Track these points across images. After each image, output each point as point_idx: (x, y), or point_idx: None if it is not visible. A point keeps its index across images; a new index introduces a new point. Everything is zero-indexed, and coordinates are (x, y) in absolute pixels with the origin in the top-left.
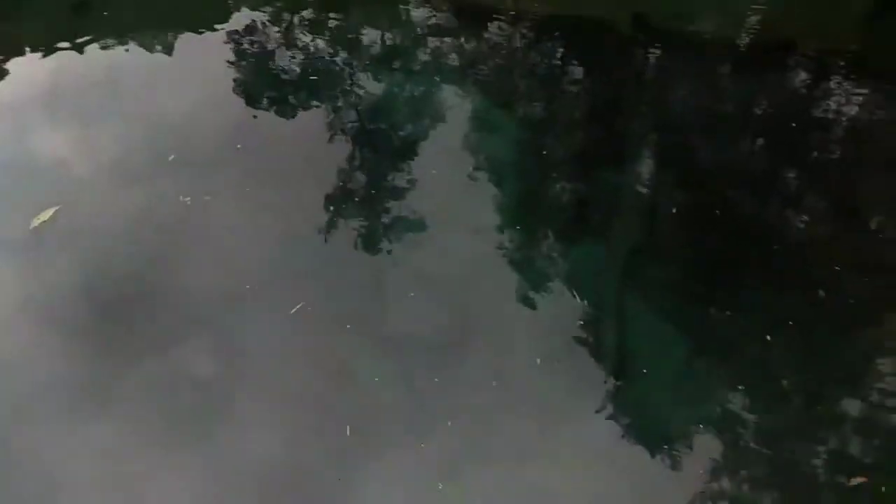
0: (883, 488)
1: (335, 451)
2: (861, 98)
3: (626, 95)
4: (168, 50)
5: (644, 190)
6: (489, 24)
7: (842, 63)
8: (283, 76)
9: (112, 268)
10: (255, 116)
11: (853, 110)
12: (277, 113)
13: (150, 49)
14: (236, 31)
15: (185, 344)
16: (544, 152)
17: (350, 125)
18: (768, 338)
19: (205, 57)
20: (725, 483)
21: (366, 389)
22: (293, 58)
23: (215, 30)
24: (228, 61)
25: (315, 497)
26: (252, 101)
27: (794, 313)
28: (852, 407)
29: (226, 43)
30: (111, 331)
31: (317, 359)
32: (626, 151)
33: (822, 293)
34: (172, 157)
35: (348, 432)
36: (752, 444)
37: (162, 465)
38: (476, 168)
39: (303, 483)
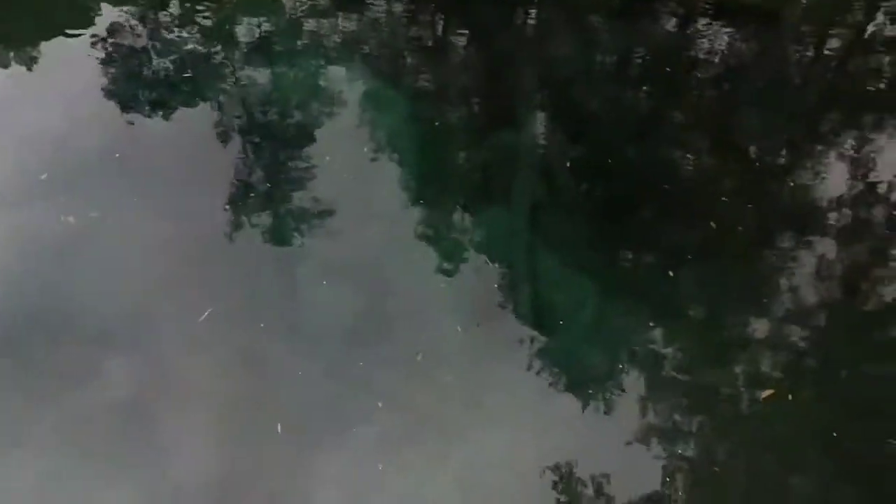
0: (790, 396)
1: (269, 451)
2: (727, 36)
3: (508, 57)
4: (27, 62)
5: (538, 147)
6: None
7: (706, 5)
8: (157, 77)
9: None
10: (131, 123)
11: (721, 48)
12: (156, 116)
13: (6, 63)
14: (100, 35)
15: (95, 369)
16: (436, 123)
17: (237, 119)
18: (671, 273)
19: (68, 65)
20: (653, 416)
21: (291, 385)
22: (165, 56)
23: (77, 35)
24: (95, 67)
25: (257, 499)
26: (126, 106)
27: (691, 247)
28: (756, 328)
29: (90, 48)
30: (9, 370)
31: (235, 362)
32: (515, 112)
33: (713, 224)
34: (44, 175)
35: (279, 430)
36: (671, 375)
37: (92, 496)
38: (372, 147)
39: (242, 486)
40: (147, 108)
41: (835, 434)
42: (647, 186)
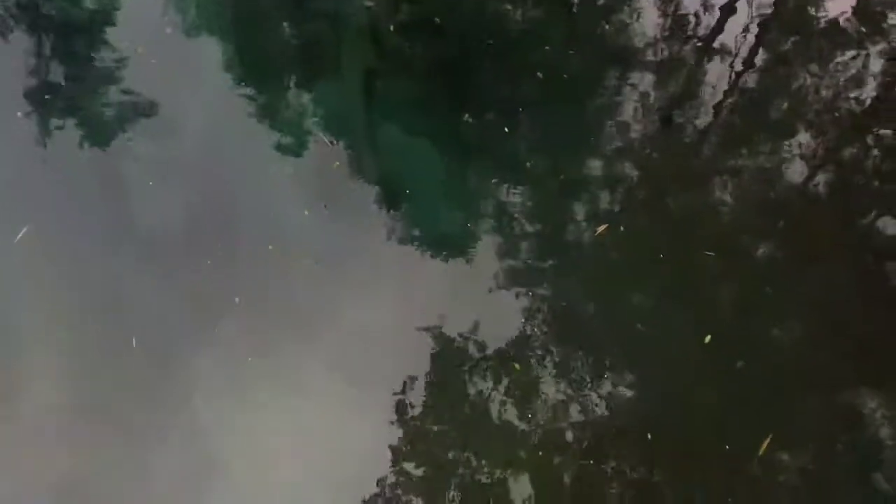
0: (622, 228)
1: (126, 367)
2: None
3: None
4: None
5: (362, 11)
6: None
7: None
8: None
9: None
10: None
11: None
12: None
13: None
14: None
15: None
16: None
17: (18, 11)
18: (506, 128)
19: None
20: (511, 263)
21: (135, 296)
22: None
23: None
24: None
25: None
26: None
27: (521, 100)
28: (589, 167)
29: None
30: None
31: (65, 283)
32: None
33: (540, 74)
34: None
35: (134, 344)
36: (517, 223)
37: None
38: (181, 26)
39: (109, 409)
40: None
41: (661, 255)
42: (475, 42)
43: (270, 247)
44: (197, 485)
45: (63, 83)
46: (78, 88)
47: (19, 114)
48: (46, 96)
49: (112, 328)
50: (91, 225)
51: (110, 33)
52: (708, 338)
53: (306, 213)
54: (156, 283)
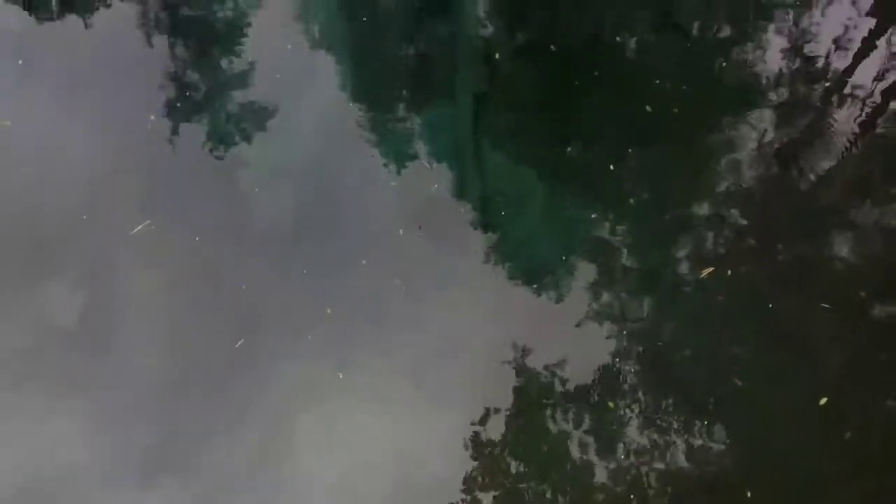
0: (729, 272)
1: (223, 365)
2: None
3: None
4: None
5: (476, 37)
6: None
7: None
8: None
9: None
10: (42, 24)
11: None
12: (68, 17)
13: None
14: None
15: (32, 293)
16: (370, 15)
17: (161, 17)
18: (612, 160)
19: None
20: (605, 299)
21: (237, 296)
22: None
23: None
24: None
25: (218, 408)
26: (35, 7)
27: (629, 133)
28: (696, 209)
29: None
30: None
31: (177, 276)
32: None
33: (649, 108)
34: None
35: (239, 344)
36: (619, 261)
37: (44, 425)
38: (305, 44)
39: (201, 403)
40: (58, 7)
41: (770, 305)
42: (586, 71)
43: (364, 262)
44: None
45: (193, 89)
46: (206, 95)
47: (152, 117)
48: (178, 103)
49: (211, 323)
50: (200, 225)
51: (239, 45)
52: (824, 400)
53: (400, 232)
54: (255, 285)
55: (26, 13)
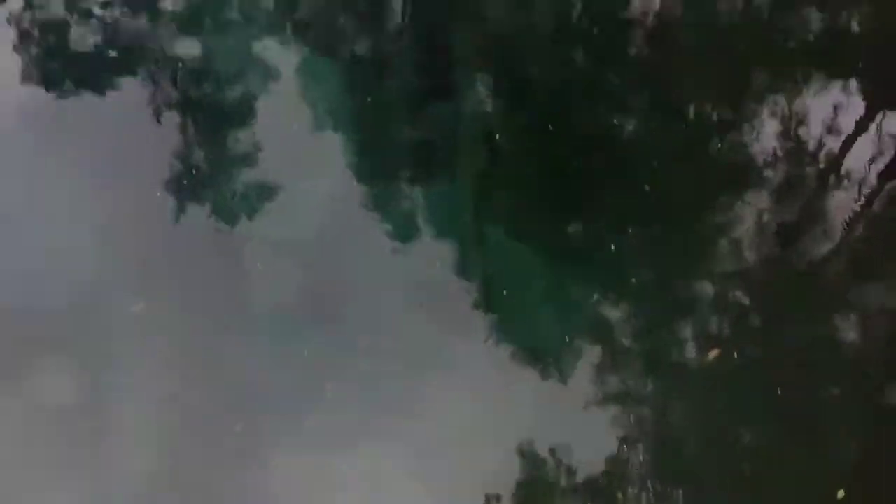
0: (735, 354)
1: (218, 448)
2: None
3: (443, 25)
4: None
5: (477, 117)
6: None
7: None
8: (81, 53)
9: None
10: (54, 102)
11: (654, 4)
12: (81, 95)
13: None
14: (15, 11)
15: (26, 369)
16: (375, 95)
17: (168, 96)
18: (613, 239)
19: None
20: (611, 382)
21: (236, 375)
22: (89, 31)
23: None
24: (13, 45)
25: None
26: (49, 85)
27: (628, 212)
28: (700, 289)
29: (6, 25)
30: None
31: (174, 357)
32: (453, 81)
33: (647, 187)
34: None
35: (237, 429)
36: (620, 342)
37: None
38: (310, 122)
39: (195, 486)
40: (71, 86)
41: (779, 391)
42: (585, 152)
43: (365, 342)
44: None
45: (200, 166)
46: (212, 172)
47: (158, 193)
48: (184, 180)
49: (208, 405)
50: (200, 302)
51: (247, 124)
52: (841, 493)
53: (402, 311)
54: (255, 366)
55: (42, 90)
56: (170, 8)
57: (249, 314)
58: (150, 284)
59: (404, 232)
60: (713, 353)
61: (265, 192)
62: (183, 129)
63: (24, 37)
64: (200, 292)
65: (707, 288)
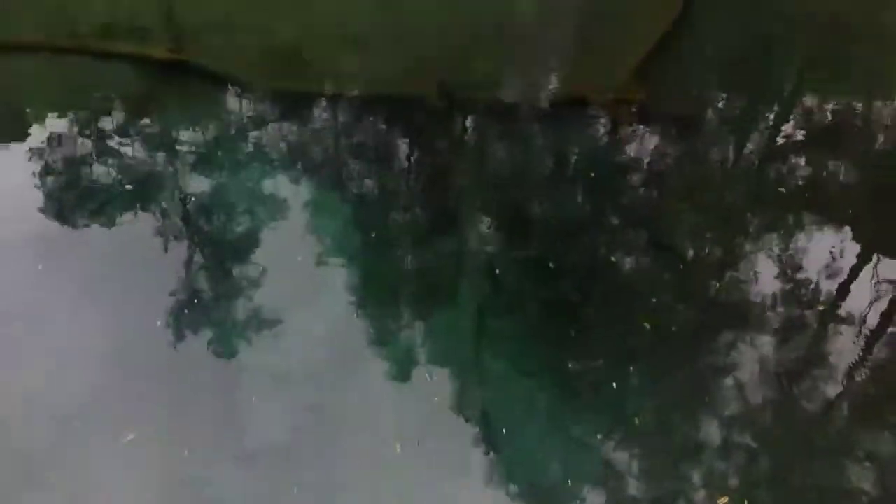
0: (745, 502)
1: None
2: (652, 141)
3: (447, 163)
4: None
5: (480, 252)
6: (309, 109)
7: (632, 110)
8: (97, 186)
9: None
10: (68, 233)
11: (648, 152)
12: (95, 226)
13: None
14: (38, 147)
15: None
16: (380, 229)
17: (178, 229)
18: (615, 377)
19: (4, 177)
20: None
21: None
22: (105, 166)
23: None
24: (32, 179)
25: None
26: (64, 217)
27: (628, 350)
28: (704, 432)
29: (28, 161)
30: None
31: (164, 489)
32: (457, 217)
33: (647, 325)
34: None
35: None
36: (623, 487)
37: None
38: (316, 255)
39: None
40: (86, 217)
41: None
42: (585, 289)
43: (359, 481)
44: None
45: (202, 296)
46: (214, 301)
47: (159, 322)
48: (186, 309)
49: None
50: (192, 435)
51: (252, 255)
52: None
53: (398, 449)
54: (246, 501)
55: (54, 221)
56: (185, 148)
57: (242, 448)
58: (142, 415)
59: (404, 367)
60: (722, 501)
61: (267, 322)
62: (189, 259)
63: (44, 170)
64: (193, 424)
65: (713, 429)
